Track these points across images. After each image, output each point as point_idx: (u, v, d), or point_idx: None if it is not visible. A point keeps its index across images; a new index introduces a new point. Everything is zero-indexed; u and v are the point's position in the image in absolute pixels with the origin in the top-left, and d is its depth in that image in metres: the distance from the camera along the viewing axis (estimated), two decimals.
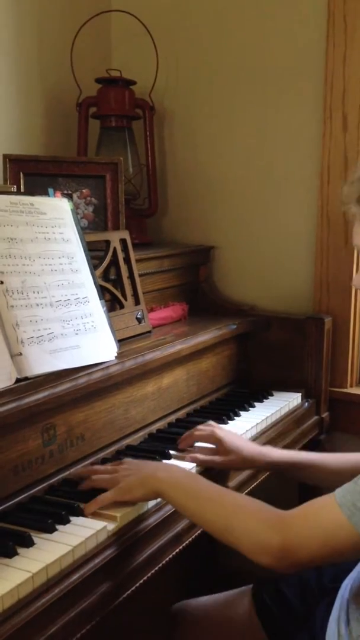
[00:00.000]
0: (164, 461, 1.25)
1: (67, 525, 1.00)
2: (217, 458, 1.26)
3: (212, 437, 1.29)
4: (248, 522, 0.96)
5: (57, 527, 0.99)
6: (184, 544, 1.13)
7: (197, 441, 1.31)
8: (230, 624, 1.25)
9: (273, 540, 0.92)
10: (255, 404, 1.63)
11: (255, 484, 1.39)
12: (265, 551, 0.93)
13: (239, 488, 1.34)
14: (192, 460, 1.26)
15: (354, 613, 1.06)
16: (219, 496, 1.02)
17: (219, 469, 1.27)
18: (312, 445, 1.76)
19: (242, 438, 1.35)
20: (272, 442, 1.50)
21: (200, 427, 1.33)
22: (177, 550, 1.12)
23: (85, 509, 1.05)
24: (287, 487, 1.83)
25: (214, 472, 1.26)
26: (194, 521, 1.05)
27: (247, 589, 1.28)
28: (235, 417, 1.53)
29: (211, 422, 1.35)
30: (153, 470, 1.08)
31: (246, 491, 1.36)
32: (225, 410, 1.54)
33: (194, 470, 1.23)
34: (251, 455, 1.27)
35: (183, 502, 1.04)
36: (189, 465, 1.24)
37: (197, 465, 1.25)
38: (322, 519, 0.91)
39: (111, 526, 1.02)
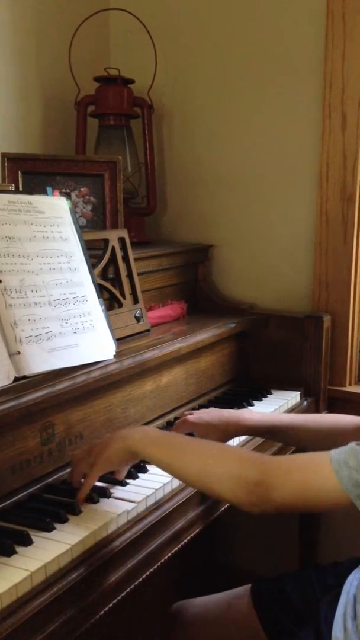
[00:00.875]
0: None
1: (66, 523, 1.00)
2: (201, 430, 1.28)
3: (187, 425, 1.29)
4: (228, 461, 0.96)
5: (56, 525, 0.99)
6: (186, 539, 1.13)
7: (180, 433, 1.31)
8: (230, 623, 1.25)
9: (250, 475, 0.92)
10: (254, 402, 1.63)
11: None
12: (240, 486, 0.93)
13: None
14: None
15: None
16: (198, 445, 1.02)
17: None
18: None
19: (215, 411, 1.36)
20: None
21: (177, 423, 1.34)
22: (176, 549, 1.12)
23: (77, 498, 1.06)
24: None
25: None
26: (173, 474, 1.04)
27: (246, 589, 1.28)
28: None
29: (187, 412, 1.36)
30: (127, 432, 1.08)
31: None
32: (224, 409, 1.54)
33: None
34: (224, 423, 1.28)
35: (161, 456, 1.03)
36: None
37: None
38: (308, 466, 0.91)
39: (111, 526, 1.02)
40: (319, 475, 0.90)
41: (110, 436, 1.10)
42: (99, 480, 1.14)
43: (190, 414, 1.33)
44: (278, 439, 1.33)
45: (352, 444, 0.92)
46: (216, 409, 1.37)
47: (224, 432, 1.29)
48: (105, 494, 1.10)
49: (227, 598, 1.29)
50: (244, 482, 0.92)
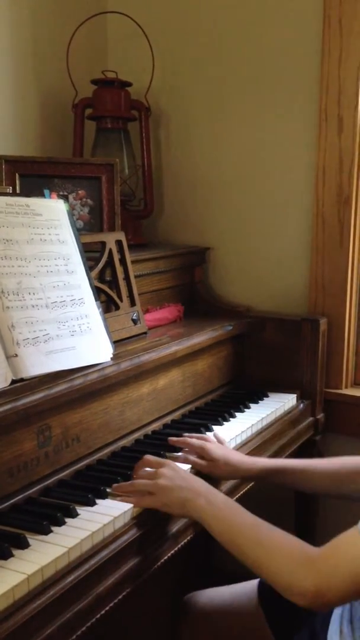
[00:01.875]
0: None
1: (63, 526, 1.00)
2: (203, 462, 1.27)
3: (204, 450, 1.28)
4: (281, 563, 0.97)
5: (53, 528, 0.99)
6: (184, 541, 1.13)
7: (188, 448, 1.31)
8: (236, 616, 1.26)
9: (306, 584, 0.94)
10: (251, 405, 1.63)
11: (250, 484, 1.39)
12: (300, 594, 0.95)
13: (236, 487, 1.34)
14: (184, 460, 1.27)
15: (357, 611, 1.07)
16: (254, 529, 1.03)
17: (205, 473, 1.27)
18: (307, 447, 1.76)
19: (229, 449, 1.35)
20: (267, 443, 1.51)
21: (194, 435, 1.34)
22: (176, 548, 1.12)
23: (114, 489, 1.11)
24: (283, 490, 1.83)
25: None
26: (227, 549, 1.05)
27: (253, 583, 1.29)
28: (231, 418, 1.53)
29: (206, 436, 1.35)
30: (194, 495, 1.08)
31: (242, 492, 1.36)
32: (221, 411, 1.55)
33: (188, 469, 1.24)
34: (239, 462, 1.28)
35: (219, 530, 1.05)
36: (183, 467, 1.24)
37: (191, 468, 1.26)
38: (349, 555, 0.92)
39: (108, 528, 1.02)
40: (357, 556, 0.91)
41: (179, 480, 1.10)
42: (97, 483, 1.14)
43: (209, 439, 1.33)
44: (289, 482, 1.32)
45: None
46: (231, 450, 1.35)
47: (235, 469, 1.28)
48: (101, 496, 1.10)
49: (234, 592, 1.31)
50: (302, 591, 0.94)
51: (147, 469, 1.16)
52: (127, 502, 1.08)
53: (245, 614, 1.24)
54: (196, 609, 1.31)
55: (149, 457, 1.19)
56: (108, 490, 1.12)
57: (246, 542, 1.02)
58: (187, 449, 1.30)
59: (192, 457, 1.28)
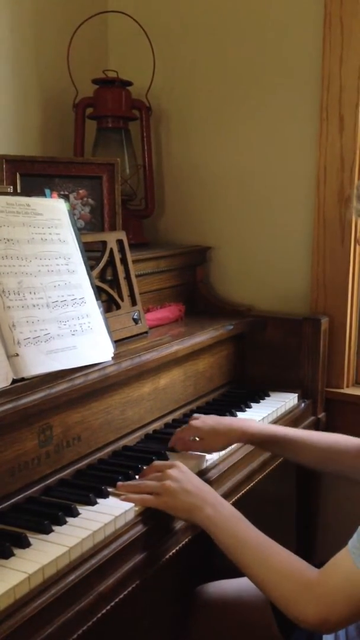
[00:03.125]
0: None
1: (64, 526, 1.00)
2: (197, 444, 1.30)
3: (191, 430, 1.31)
4: (284, 588, 0.98)
5: (54, 528, 0.99)
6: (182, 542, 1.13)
7: (182, 438, 1.32)
8: (246, 609, 1.27)
9: (308, 611, 0.94)
10: (252, 404, 1.63)
11: (251, 484, 1.40)
12: (304, 621, 0.96)
13: (237, 487, 1.34)
14: (178, 448, 1.30)
15: None
16: (260, 548, 1.02)
17: (202, 451, 1.30)
18: None
19: (219, 417, 1.37)
20: None
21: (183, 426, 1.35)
22: (178, 547, 1.12)
23: (118, 488, 1.11)
24: (285, 488, 1.83)
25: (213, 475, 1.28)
26: (231, 559, 1.05)
27: None
28: None
29: (194, 415, 1.37)
30: (201, 503, 1.07)
31: (242, 493, 1.36)
32: (222, 410, 1.54)
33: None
34: (228, 430, 1.30)
35: (224, 542, 1.05)
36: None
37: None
38: (346, 579, 0.92)
39: (109, 527, 1.02)
40: (355, 581, 0.91)
41: (187, 484, 1.10)
42: (98, 482, 1.14)
43: (196, 418, 1.34)
44: (278, 450, 1.34)
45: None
46: (221, 417, 1.38)
47: (227, 437, 1.30)
48: (103, 495, 1.10)
49: (243, 584, 1.31)
50: (305, 618, 0.95)
51: (156, 472, 1.15)
52: (130, 501, 1.08)
53: (254, 607, 1.25)
54: (207, 600, 1.31)
55: (157, 462, 1.19)
56: (109, 489, 1.12)
57: (250, 559, 1.02)
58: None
59: (182, 442, 1.30)
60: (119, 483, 1.13)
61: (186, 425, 1.33)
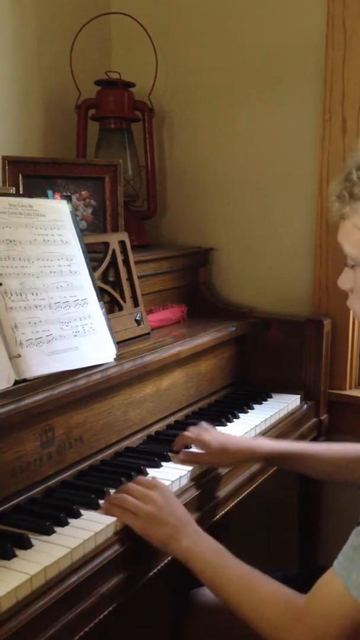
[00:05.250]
0: (162, 463, 1.25)
1: (66, 527, 1.00)
2: (205, 455, 1.27)
3: (198, 442, 1.28)
4: (271, 619, 0.95)
5: (56, 529, 0.99)
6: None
7: (186, 443, 1.31)
8: None
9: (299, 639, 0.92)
10: (254, 405, 1.62)
11: (252, 487, 1.39)
12: None
13: (238, 489, 1.34)
14: (181, 458, 1.27)
15: None
16: (241, 579, 0.99)
17: (209, 466, 1.28)
18: None
19: (230, 435, 1.35)
20: None
21: (191, 428, 1.33)
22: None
23: (108, 501, 1.06)
24: (287, 492, 1.83)
25: (210, 479, 1.27)
26: (213, 593, 1.03)
27: None
28: (234, 419, 1.53)
29: (202, 424, 1.35)
30: (180, 535, 1.03)
31: (244, 494, 1.36)
32: (224, 412, 1.54)
33: (188, 473, 1.24)
34: (238, 449, 1.27)
35: (205, 575, 1.01)
36: (186, 468, 1.24)
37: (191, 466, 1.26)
38: (334, 601, 0.89)
39: (110, 529, 1.02)
40: (343, 606, 0.89)
41: (167, 513, 1.04)
42: (100, 484, 1.14)
43: (205, 429, 1.32)
44: (290, 466, 1.32)
45: (347, 550, 0.91)
46: (230, 435, 1.35)
47: (235, 457, 1.28)
48: (104, 496, 1.10)
49: None
50: None
51: (138, 487, 1.09)
52: (109, 514, 1.04)
53: None
54: (202, 604, 1.30)
55: (141, 478, 1.15)
56: (111, 491, 1.12)
57: (234, 591, 0.99)
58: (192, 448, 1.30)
59: (191, 453, 1.27)
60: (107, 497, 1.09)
61: (193, 433, 1.30)
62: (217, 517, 1.26)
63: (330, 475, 1.28)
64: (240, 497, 1.34)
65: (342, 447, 1.30)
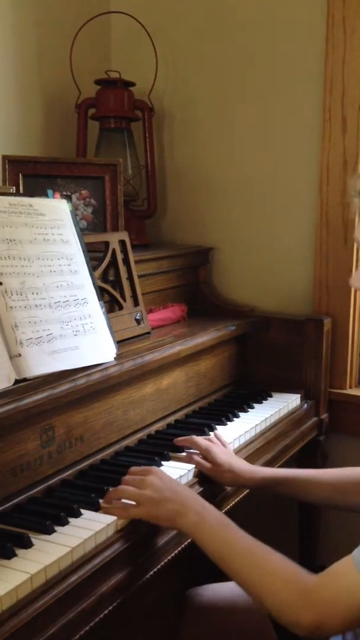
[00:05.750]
0: (163, 462, 1.25)
1: (66, 526, 1.00)
2: (208, 464, 1.26)
3: (207, 453, 1.28)
4: (278, 591, 0.95)
5: (56, 528, 0.99)
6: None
7: (193, 447, 1.31)
8: (240, 612, 1.25)
9: (304, 615, 0.92)
10: (255, 405, 1.62)
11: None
12: (298, 625, 0.93)
13: (236, 491, 1.34)
14: (188, 460, 1.26)
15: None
16: (251, 554, 0.99)
17: (208, 475, 1.27)
18: (311, 447, 1.76)
19: (233, 456, 1.33)
20: (271, 443, 1.51)
21: (202, 437, 1.32)
22: (180, 548, 1.12)
23: (106, 500, 1.06)
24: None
25: (210, 479, 1.27)
26: (220, 566, 1.02)
27: None
28: (234, 419, 1.53)
29: (212, 438, 1.34)
30: (185, 510, 1.03)
31: (244, 493, 1.36)
32: (224, 411, 1.54)
33: (188, 472, 1.24)
34: (241, 470, 1.27)
35: (211, 548, 1.01)
36: (186, 467, 1.24)
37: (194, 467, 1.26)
38: (347, 586, 0.90)
39: (110, 528, 1.02)
40: (357, 588, 0.89)
41: (168, 491, 1.05)
42: (101, 483, 1.14)
43: (214, 441, 1.31)
44: (287, 492, 1.30)
45: None
46: (233, 455, 1.33)
47: (235, 478, 1.27)
48: (105, 495, 1.10)
49: (236, 587, 1.29)
50: (301, 624, 0.92)
51: (134, 476, 1.10)
52: (111, 514, 1.04)
53: (250, 610, 1.23)
54: (199, 603, 1.30)
55: (134, 468, 1.14)
56: (112, 490, 1.12)
57: (240, 564, 0.98)
58: (192, 449, 1.30)
59: (197, 457, 1.28)
60: (105, 497, 1.09)
61: (204, 444, 1.29)
62: None
63: (329, 499, 1.27)
64: (240, 496, 1.34)
65: (341, 471, 1.29)
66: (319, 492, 1.26)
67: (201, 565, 1.66)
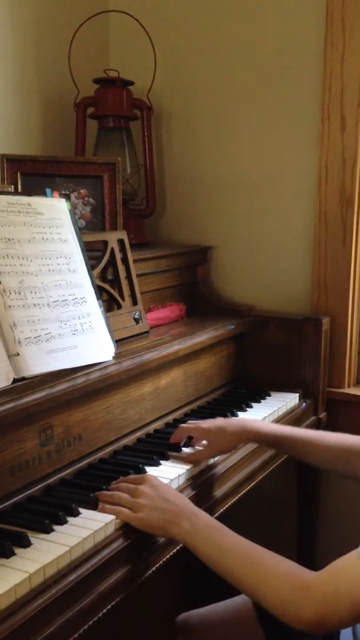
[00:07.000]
0: (161, 462, 1.25)
1: (65, 525, 1.00)
2: (206, 450, 1.27)
3: (198, 430, 1.29)
4: (277, 589, 0.94)
5: (55, 527, 0.99)
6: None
7: (185, 434, 1.32)
8: (233, 632, 1.24)
9: (306, 611, 0.91)
10: (253, 404, 1.63)
11: (250, 485, 1.39)
12: (299, 621, 0.93)
13: (238, 487, 1.34)
14: (188, 461, 1.26)
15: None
16: (247, 555, 0.99)
17: (217, 456, 1.28)
18: None
19: (228, 419, 1.36)
20: None
21: (188, 422, 1.35)
22: (176, 550, 1.12)
23: (100, 499, 1.06)
24: (285, 491, 1.83)
25: (208, 477, 1.27)
26: (217, 572, 1.01)
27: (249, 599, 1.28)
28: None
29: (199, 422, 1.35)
30: (177, 519, 1.03)
31: (243, 492, 1.36)
32: (223, 410, 1.54)
33: (186, 472, 1.24)
34: (236, 429, 1.28)
35: (206, 554, 1.00)
36: (185, 467, 1.24)
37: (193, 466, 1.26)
38: (348, 581, 0.89)
39: (109, 527, 1.02)
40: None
41: (160, 500, 1.05)
42: (99, 482, 1.14)
43: (204, 421, 1.32)
44: (286, 450, 1.32)
45: None
46: (228, 418, 1.36)
47: (237, 437, 1.28)
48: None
49: (229, 607, 1.28)
50: (301, 619, 0.92)
51: (128, 485, 1.10)
52: (106, 512, 1.04)
53: (243, 630, 1.22)
54: (191, 628, 1.29)
55: (129, 477, 1.14)
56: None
57: (237, 566, 0.98)
58: (190, 447, 1.31)
59: (196, 455, 1.27)
60: (98, 493, 1.09)
61: (191, 424, 1.32)
62: (216, 515, 1.26)
63: (325, 462, 1.26)
64: (239, 495, 1.34)
65: (342, 437, 1.27)
66: (317, 454, 1.26)
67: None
